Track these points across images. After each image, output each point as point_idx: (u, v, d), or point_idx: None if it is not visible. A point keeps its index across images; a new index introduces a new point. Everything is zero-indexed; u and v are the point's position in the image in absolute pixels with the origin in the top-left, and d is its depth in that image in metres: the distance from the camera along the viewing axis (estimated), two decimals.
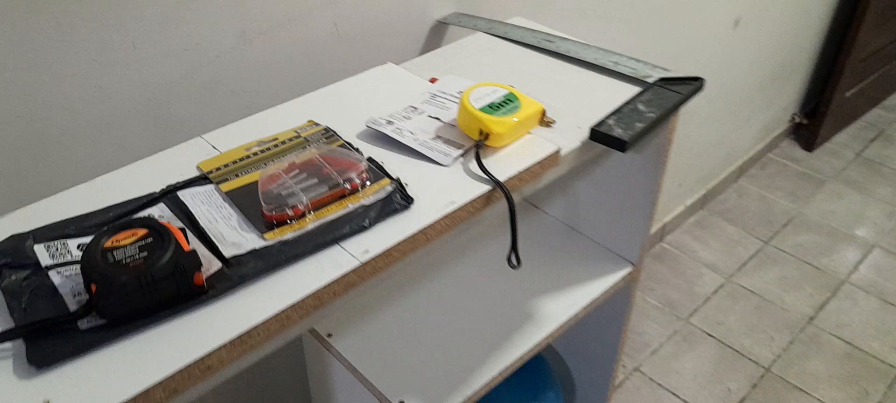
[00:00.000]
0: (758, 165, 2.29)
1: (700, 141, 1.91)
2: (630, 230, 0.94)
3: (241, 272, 0.52)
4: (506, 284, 0.92)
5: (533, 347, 0.84)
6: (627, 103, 0.74)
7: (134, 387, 0.44)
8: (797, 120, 2.35)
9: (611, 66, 0.81)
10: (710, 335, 1.71)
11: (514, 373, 1.03)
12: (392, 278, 0.95)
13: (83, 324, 0.48)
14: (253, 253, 0.54)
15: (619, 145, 0.69)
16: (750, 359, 1.65)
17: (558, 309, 0.89)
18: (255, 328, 0.49)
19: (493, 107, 0.66)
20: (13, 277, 0.51)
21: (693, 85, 0.77)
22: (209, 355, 0.47)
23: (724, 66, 1.80)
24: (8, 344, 0.47)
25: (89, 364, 0.46)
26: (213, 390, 0.99)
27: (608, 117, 0.72)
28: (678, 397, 1.57)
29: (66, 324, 0.47)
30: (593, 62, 0.82)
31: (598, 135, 0.70)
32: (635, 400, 1.56)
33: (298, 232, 0.56)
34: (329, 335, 0.85)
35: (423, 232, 0.57)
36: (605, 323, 1.04)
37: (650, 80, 0.78)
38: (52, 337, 0.47)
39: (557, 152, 0.67)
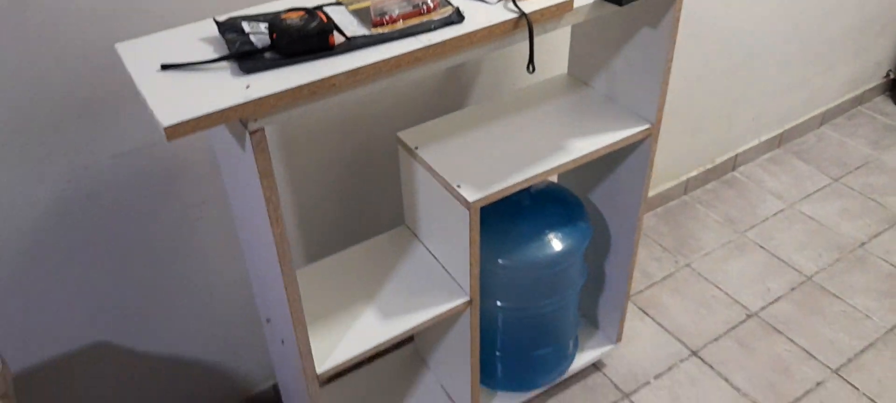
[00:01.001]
0: (845, 116, 2.40)
1: (779, 81, 2.08)
2: (650, 96, 1.22)
3: (355, 43, 0.88)
4: (551, 129, 1.24)
5: (562, 164, 1.16)
6: None
7: (290, 84, 0.81)
8: (892, 76, 2.42)
9: None
10: (761, 247, 1.92)
11: (553, 204, 1.34)
12: (467, 114, 1.30)
13: (267, 55, 0.86)
14: (363, 36, 0.90)
15: (617, 2, 0.98)
16: (794, 269, 1.84)
17: (586, 145, 1.19)
18: (360, 68, 0.85)
19: None
20: (230, 36, 0.90)
21: None
22: (334, 76, 0.83)
23: (803, 7, 1.97)
24: (226, 63, 0.86)
25: (268, 75, 0.83)
26: (326, 187, 1.38)
27: None
28: (721, 289, 1.80)
29: (258, 53, 0.86)
30: None
31: None
32: (682, 288, 1.81)
33: (391, 30, 0.91)
34: (416, 147, 1.21)
35: (468, 35, 0.91)
36: (630, 176, 1.33)
37: None
38: (250, 60, 0.85)
39: (569, 1, 0.97)
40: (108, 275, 1.20)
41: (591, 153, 1.19)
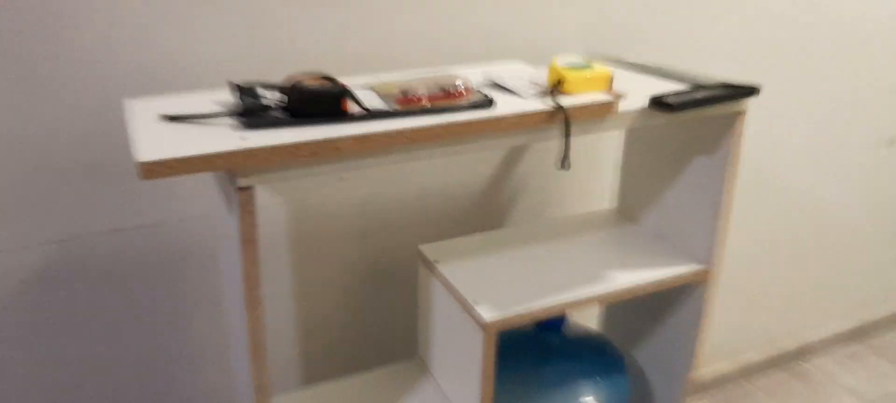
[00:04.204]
0: None
1: (857, 262, 1.90)
2: (705, 235, 1.08)
3: (371, 114, 0.80)
4: (590, 260, 1.10)
5: (599, 295, 1.01)
6: (687, 91, 0.94)
7: (294, 139, 0.73)
8: None
9: (691, 76, 1.02)
10: None
11: (588, 351, 1.17)
12: (499, 236, 1.18)
13: (274, 114, 0.78)
14: (382, 110, 0.82)
15: (668, 108, 0.88)
16: None
17: (629, 279, 1.05)
18: (370, 135, 0.76)
19: (571, 67, 0.90)
20: (245, 99, 0.83)
21: (747, 89, 0.95)
22: (339, 139, 0.75)
23: (892, 177, 1.82)
24: (231, 121, 0.78)
25: (271, 134, 0.75)
26: (341, 295, 1.25)
27: (668, 95, 0.92)
28: None
29: (264, 111, 0.78)
30: (680, 75, 1.03)
31: (654, 101, 0.90)
32: None
33: (413, 108, 0.83)
34: (436, 261, 1.09)
35: (495, 120, 0.82)
36: (681, 331, 1.16)
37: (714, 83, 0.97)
38: (255, 116, 0.77)
39: (613, 102, 0.88)
40: (88, 364, 1.08)
41: (634, 288, 1.04)
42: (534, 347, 1.16)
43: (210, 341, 1.17)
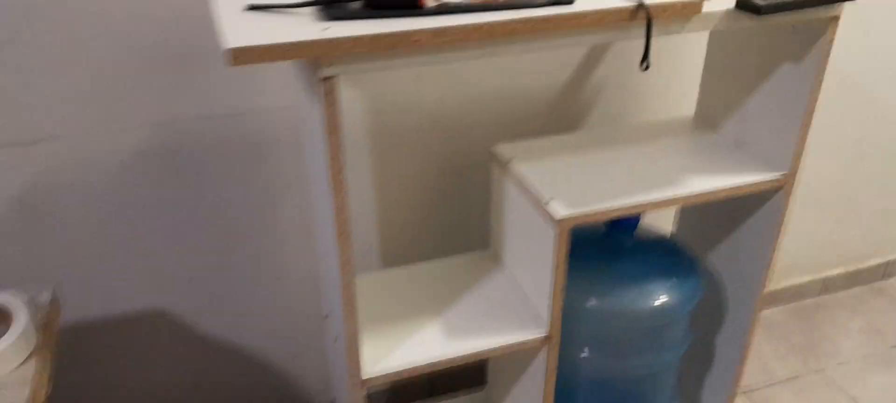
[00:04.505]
0: None
1: None
2: (786, 143, 1.05)
3: (447, 7, 0.81)
4: (667, 164, 1.10)
5: (673, 198, 1.01)
6: None
7: (374, 30, 0.75)
8: None
9: None
10: None
11: (661, 253, 1.18)
12: (575, 138, 1.19)
13: (353, 5, 0.80)
14: (460, 5, 0.82)
15: (756, 10, 0.85)
16: None
17: (705, 184, 1.04)
18: (447, 28, 0.77)
19: None
20: None
21: None
22: (417, 31, 0.76)
23: None
24: (313, 11, 0.81)
25: (350, 25, 0.78)
26: (416, 191, 1.29)
27: None
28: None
29: (348, 3, 0.80)
30: None
31: (741, 2, 0.87)
32: (809, 394, 1.55)
33: (491, 2, 0.83)
34: (510, 160, 1.11)
35: (575, 15, 0.81)
36: (756, 238, 1.15)
37: None
38: (335, 7, 0.80)
39: (698, 2, 0.85)
40: (178, 240, 1.18)
41: (708, 193, 1.03)
42: (606, 246, 1.18)
43: (295, 225, 1.25)
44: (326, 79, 0.78)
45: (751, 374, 1.60)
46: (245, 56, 0.71)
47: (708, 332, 1.32)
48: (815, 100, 1.00)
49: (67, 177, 1.07)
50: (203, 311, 1.26)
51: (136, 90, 1.05)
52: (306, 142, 1.03)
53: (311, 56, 0.74)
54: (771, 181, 1.06)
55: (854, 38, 1.47)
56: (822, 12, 0.94)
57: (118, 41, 1.02)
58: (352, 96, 1.17)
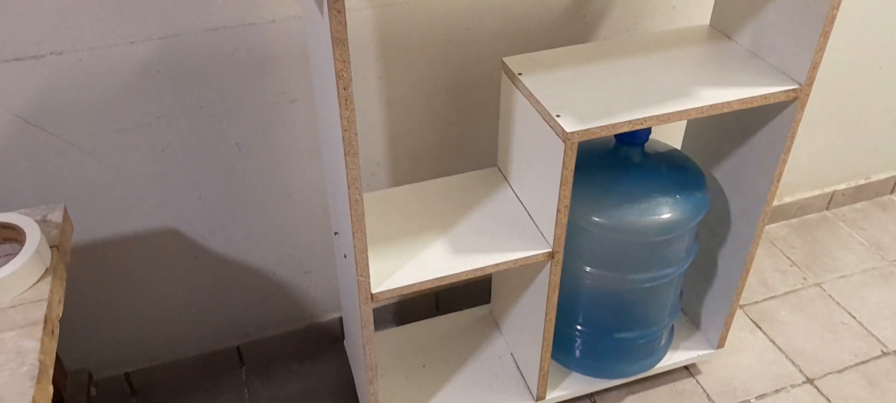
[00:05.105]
0: None
1: None
2: (802, 53, 1.03)
3: None
4: (678, 76, 1.08)
5: (682, 111, 0.99)
6: None
7: None
8: None
9: None
10: None
11: (668, 167, 1.17)
12: (586, 50, 1.16)
13: None
14: None
15: None
16: None
17: (716, 95, 1.02)
18: None
19: None
20: None
21: None
22: None
23: None
24: None
25: None
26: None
27: None
28: (854, 317, 1.55)
29: None
30: None
31: None
32: (806, 307, 1.57)
33: None
34: (519, 73, 1.09)
35: None
36: (765, 151, 1.14)
37: None
38: None
39: None
40: (186, 156, 1.17)
41: (720, 104, 1.02)
42: (614, 160, 1.17)
43: (304, 141, 1.23)
44: None
45: (751, 288, 1.62)
46: None
47: (710, 246, 1.33)
48: (837, 7, 0.97)
49: (73, 94, 1.05)
50: (213, 229, 1.27)
51: (141, 3, 1.02)
52: (313, 55, 1.00)
53: None
54: (784, 92, 1.05)
55: None
56: None
57: None
58: (359, 6, 1.14)
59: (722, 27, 1.20)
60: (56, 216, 0.94)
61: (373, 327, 1.07)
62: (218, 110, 1.15)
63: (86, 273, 1.23)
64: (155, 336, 1.35)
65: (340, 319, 1.50)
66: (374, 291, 1.02)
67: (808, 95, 1.06)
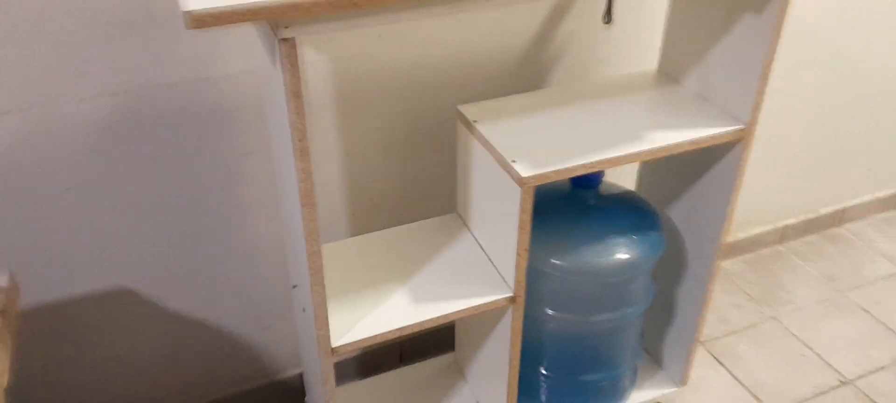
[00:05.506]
0: None
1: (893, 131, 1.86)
2: (745, 94, 1.07)
3: None
4: (629, 120, 1.11)
5: (635, 154, 1.02)
6: None
7: None
8: None
9: None
10: (864, 310, 1.68)
11: (623, 209, 1.19)
12: (539, 97, 1.18)
13: None
14: None
15: None
16: None
17: (666, 137, 1.05)
18: None
19: None
20: None
21: None
22: None
23: None
24: None
25: None
26: (380, 132, 1.28)
27: None
28: (811, 349, 1.58)
29: None
30: None
31: None
32: (765, 341, 1.60)
33: None
34: (475, 121, 1.11)
35: None
36: (716, 190, 1.17)
37: None
38: None
39: None
40: (142, 213, 1.15)
41: (670, 146, 1.04)
42: (570, 204, 1.19)
43: (262, 194, 1.22)
44: (286, 40, 0.76)
45: (710, 324, 1.64)
46: (205, 19, 0.68)
47: (668, 285, 1.35)
48: (774, 50, 1.01)
49: (22, 153, 1.03)
50: (170, 285, 1.24)
51: (95, 60, 1.01)
52: (269, 108, 1.00)
53: (270, 18, 0.72)
54: (730, 133, 1.08)
55: None
56: None
57: (73, 10, 0.97)
58: (314, 59, 1.15)
59: (670, 71, 1.24)
60: (1, 280, 0.91)
61: (334, 382, 1.05)
62: (172, 166, 1.13)
63: (38, 337, 1.18)
64: (112, 400, 1.31)
65: (302, 375, 1.47)
66: (334, 345, 1.00)
67: (753, 134, 1.10)
